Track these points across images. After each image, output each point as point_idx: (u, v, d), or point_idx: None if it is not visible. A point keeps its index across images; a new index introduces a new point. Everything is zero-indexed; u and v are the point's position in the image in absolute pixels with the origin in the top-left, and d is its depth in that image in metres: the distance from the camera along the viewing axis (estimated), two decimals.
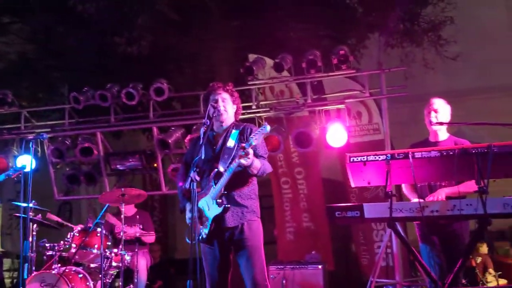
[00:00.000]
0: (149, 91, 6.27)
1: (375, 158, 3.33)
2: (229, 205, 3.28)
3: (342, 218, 3.35)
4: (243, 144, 3.15)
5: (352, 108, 6.54)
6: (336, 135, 5.65)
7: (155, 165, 6.68)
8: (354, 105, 6.48)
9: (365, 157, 3.35)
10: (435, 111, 3.90)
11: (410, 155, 3.25)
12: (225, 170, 3.27)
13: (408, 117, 9.94)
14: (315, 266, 5.69)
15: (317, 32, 8.40)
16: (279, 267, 5.74)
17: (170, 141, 6.19)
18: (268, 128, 3.22)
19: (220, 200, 3.27)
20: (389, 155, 3.33)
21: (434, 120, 3.87)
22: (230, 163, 3.26)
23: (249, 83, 6.16)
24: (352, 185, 3.57)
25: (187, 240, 3.36)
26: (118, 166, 6.59)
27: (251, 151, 3.14)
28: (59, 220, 5.69)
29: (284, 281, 5.62)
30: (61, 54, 9.01)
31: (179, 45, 7.84)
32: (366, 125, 6.57)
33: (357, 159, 3.37)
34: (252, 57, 6.49)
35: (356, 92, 6.06)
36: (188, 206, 3.43)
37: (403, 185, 4.00)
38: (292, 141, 5.85)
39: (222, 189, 3.27)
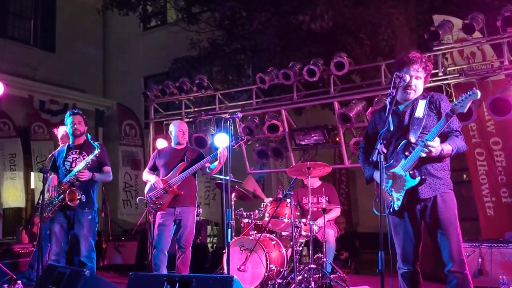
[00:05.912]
0: (329, 66, 6.32)
1: None
2: (425, 177, 3.15)
3: None
4: (424, 139, 3.01)
5: None
6: None
7: (337, 139, 6.77)
8: None
9: None
10: None
11: None
12: (416, 141, 3.15)
13: None
14: None
15: None
16: (474, 244, 5.34)
17: (351, 114, 6.17)
18: (478, 93, 2.90)
19: (412, 172, 3.17)
20: None
21: None
22: (422, 133, 3.15)
23: (435, 48, 5.76)
24: None
25: (375, 211, 3.34)
26: (302, 141, 6.86)
27: (435, 144, 3.01)
28: (256, 187, 6.17)
29: (480, 259, 5.22)
30: (245, 37, 9.63)
31: (357, 16, 7.69)
32: None
33: None
34: (437, 18, 6.02)
35: None
36: (376, 174, 3.40)
37: None
38: (486, 108, 5.29)
39: (416, 161, 3.16)
